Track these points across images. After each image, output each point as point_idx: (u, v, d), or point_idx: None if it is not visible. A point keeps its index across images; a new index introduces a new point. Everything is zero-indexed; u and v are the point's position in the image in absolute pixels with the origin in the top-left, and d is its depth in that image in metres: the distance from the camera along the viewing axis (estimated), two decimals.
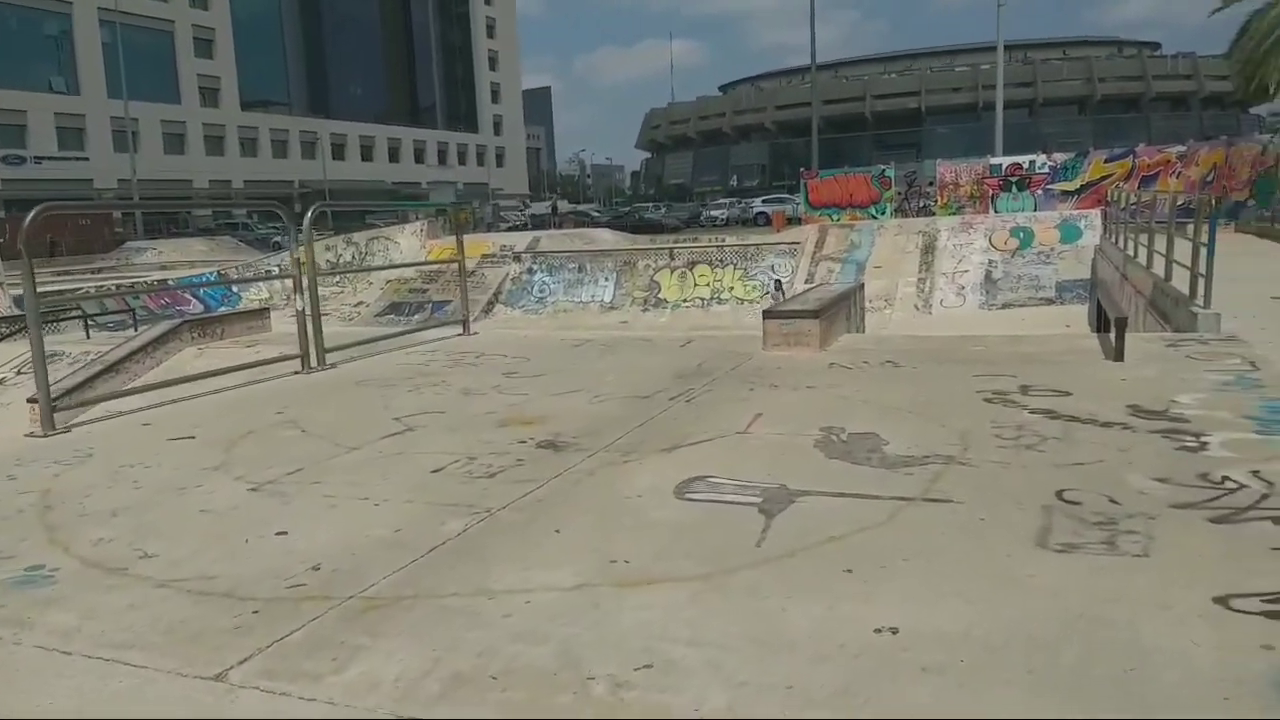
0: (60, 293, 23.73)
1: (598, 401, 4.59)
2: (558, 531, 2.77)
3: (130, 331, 17.53)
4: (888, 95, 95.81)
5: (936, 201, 27.26)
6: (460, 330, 7.44)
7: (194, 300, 28.45)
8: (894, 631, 2.04)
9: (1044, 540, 2.54)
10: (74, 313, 19.45)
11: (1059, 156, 27.27)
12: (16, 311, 22.13)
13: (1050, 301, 19.23)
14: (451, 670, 1.96)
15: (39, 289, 18.28)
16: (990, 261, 20.32)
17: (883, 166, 29.04)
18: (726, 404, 4.40)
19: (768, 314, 5.90)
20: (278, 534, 2.86)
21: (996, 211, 25.67)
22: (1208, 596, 2.15)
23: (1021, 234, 20.93)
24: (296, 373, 5.77)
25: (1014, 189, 26.85)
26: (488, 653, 2.02)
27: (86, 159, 62.04)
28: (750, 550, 2.56)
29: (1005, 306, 19.26)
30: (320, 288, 23.13)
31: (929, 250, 20.96)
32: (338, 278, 28.90)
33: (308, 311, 5.77)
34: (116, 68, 54.26)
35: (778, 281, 19.91)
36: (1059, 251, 20.48)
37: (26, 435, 4.39)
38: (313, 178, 77.13)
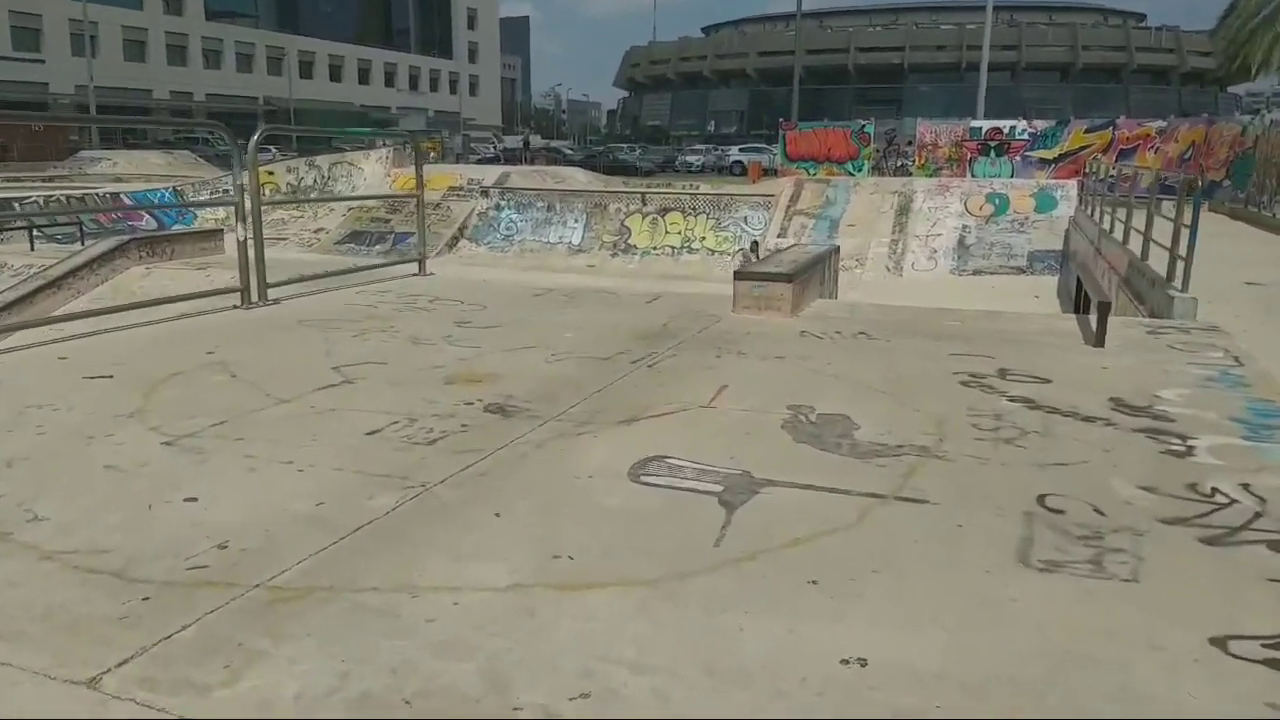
0: (6, 201, 22.83)
1: (554, 361, 4.32)
2: (497, 515, 2.52)
3: (77, 246, 16.87)
4: (871, 49, 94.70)
5: (914, 161, 26.99)
6: (416, 270, 7.09)
7: (146, 216, 27.55)
8: (862, 664, 1.82)
9: (1026, 555, 2.33)
10: (19, 223, 18.68)
11: (1039, 124, 27.07)
12: None
13: (1021, 271, 19.16)
14: (360, 689, 1.71)
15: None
16: (964, 226, 20.17)
17: (863, 122, 28.69)
18: (691, 372, 4.15)
19: (739, 275, 5.63)
20: (186, 500, 2.58)
21: (974, 176, 25.48)
22: (1203, 637, 1.95)
23: (997, 200, 20.77)
24: (235, 307, 5.42)
25: (992, 154, 26.67)
26: (405, 668, 1.77)
27: (43, 61, 59.59)
28: (708, 550, 2.32)
29: (976, 273, 19.16)
30: (279, 211, 22.46)
31: (904, 211, 20.74)
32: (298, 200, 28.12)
33: (250, 241, 5.39)
34: None
35: (754, 243, 19.54)
36: (1033, 221, 20.35)
37: None
38: (279, 95, 74.93)
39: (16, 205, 23.76)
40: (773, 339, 4.90)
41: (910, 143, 27.91)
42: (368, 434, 3.16)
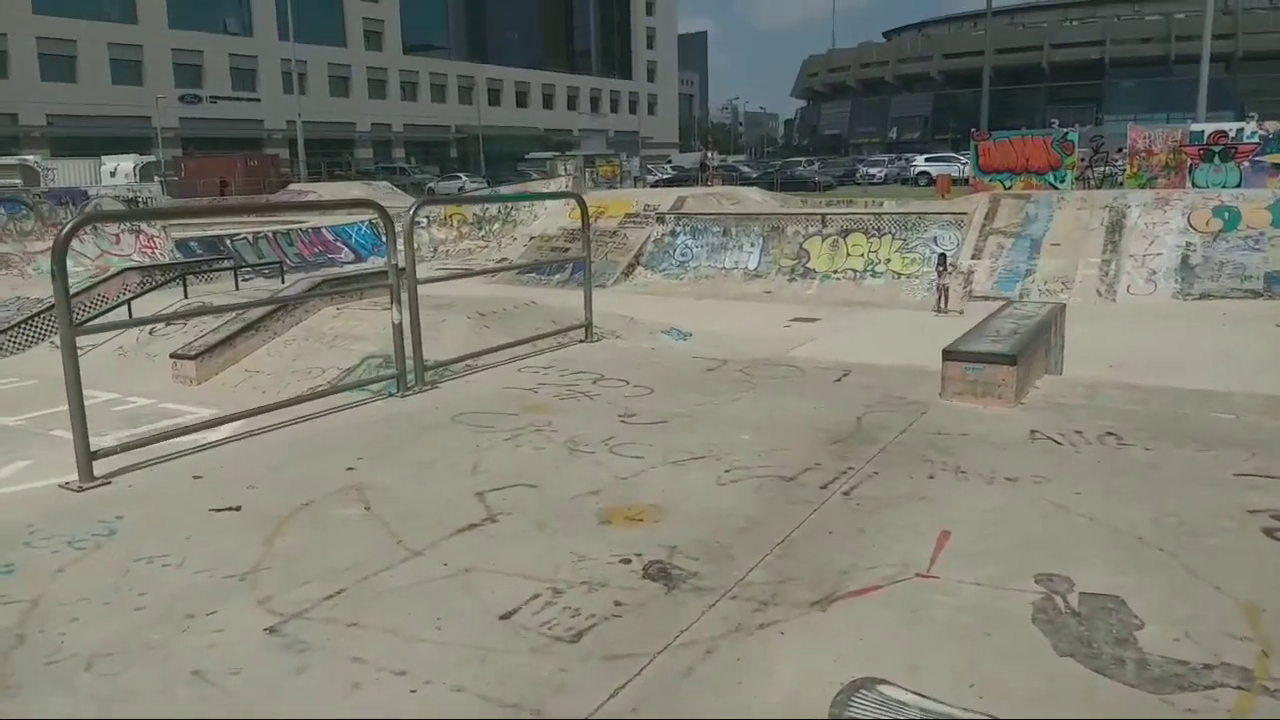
0: (219, 239, 24.46)
1: (729, 482, 3.64)
2: None
3: (277, 283, 17.69)
4: (1068, 45, 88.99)
5: (1125, 170, 24.60)
6: (583, 336, 6.58)
7: (345, 248, 28.98)
8: None
9: None
10: (225, 263, 19.83)
11: (1271, 125, 24.07)
12: (178, 257, 22.94)
13: (1257, 294, 16.92)
14: None
15: (204, 233, 18.61)
16: (1188, 244, 18.03)
17: (1065, 129, 26.44)
18: (900, 505, 3.37)
19: (949, 354, 4.76)
20: None
21: (1195, 185, 22.94)
22: None
23: (1226, 214, 18.47)
24: (391, 395, 5.05)
25: (1216, 159, 23.93)
26: None
27: (258, 99, 64.56)
28: None
29: (1203, 297, 17.05)
30: (465, 241, 22.97)
31: (1116, 228, 18.78)
32: (483, 230, 28.86)
33: (406, 326, 5.02)
34: (286, 10, 55.85)
35: (942, 255, 18.16)
36: (1270, 237, 17.94)
37: (61, 486, 3.79)
38: (469, 123, 78.18)
39: (228, 242, 25.51)
40: (997, 444, 4.03)
41: (1120, 150, 25.48)
42: (502, 617, 2.58)
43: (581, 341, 6.56)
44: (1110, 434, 4.18)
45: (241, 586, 2.81)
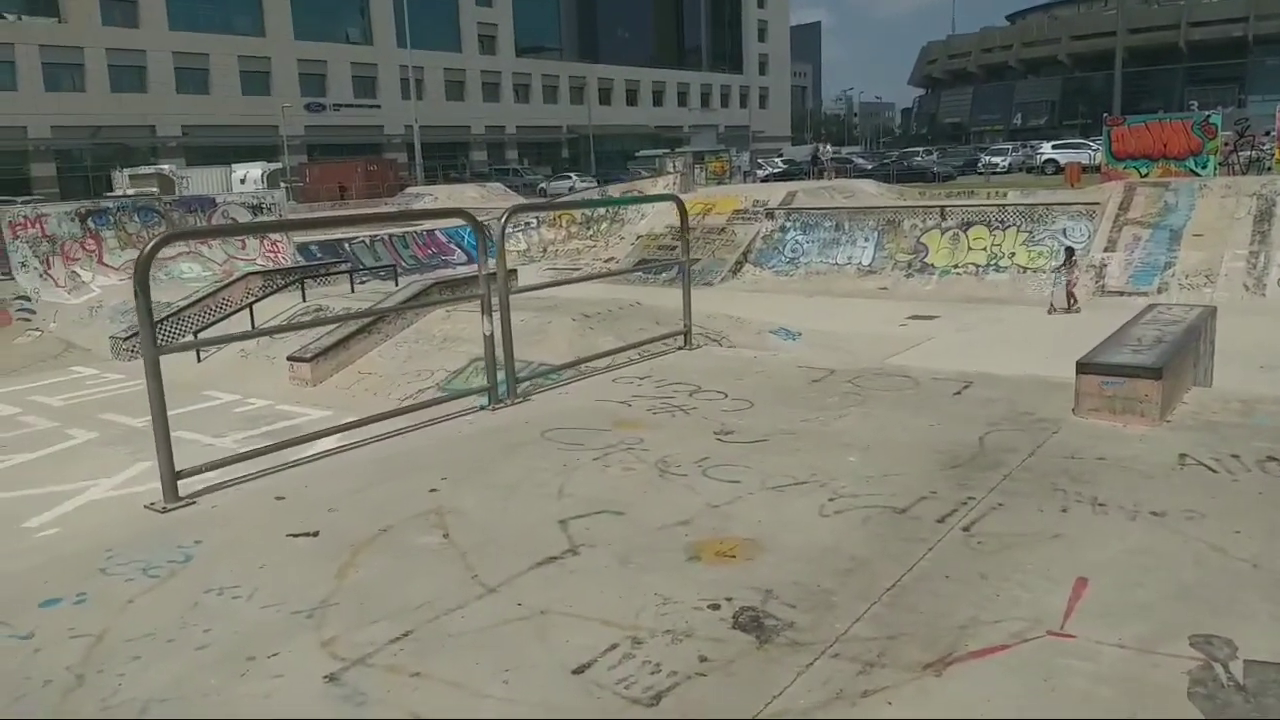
0: (337, 242, 25.18)
1: (833, 513, 3.31)
2: None
3: (391, 286, 18.07)
4: (1207, 22, 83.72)
5: (1274, 155, 22.83)
6: (682, 343, 6.32)
7: (457, 250, 29.49)
8: None
9: None
10: (342, 267, 20.39)
11: None
12: (299, 260, 23.74)
13: None
14: None
15: (325, 236, 19.01)
16: None
17: (1206, 112, 24.69)
18: (1028, 545, 2.98)
19: (1085, 366, 4.30)
20: None
21: None
22: None
23: None
24: (482, 408, 4.90)
25: None
26: None
27: (378, 106, 66.69)
28: None
29: None
30: (573, 241, 23.02)
31: (1265, 217, 17.43)
32: (591, 230, 28.92)
33: (497, 337, 4.86)
34: (404, 18, 57.45)
35: (1069, 249, 16.99)
36: None
37: (147, 507, 3.75)
38: (579, 123, 78.92)
39: (346, 245, 26.29)
40: (1140, 471, 3.58)
41: (1269, 133, 23.68)
42: (575, 672, 2.35)
43: (680, 349, 6.29)
44: (1272, 459, 3.67)
45: (308, 625, 2.66)
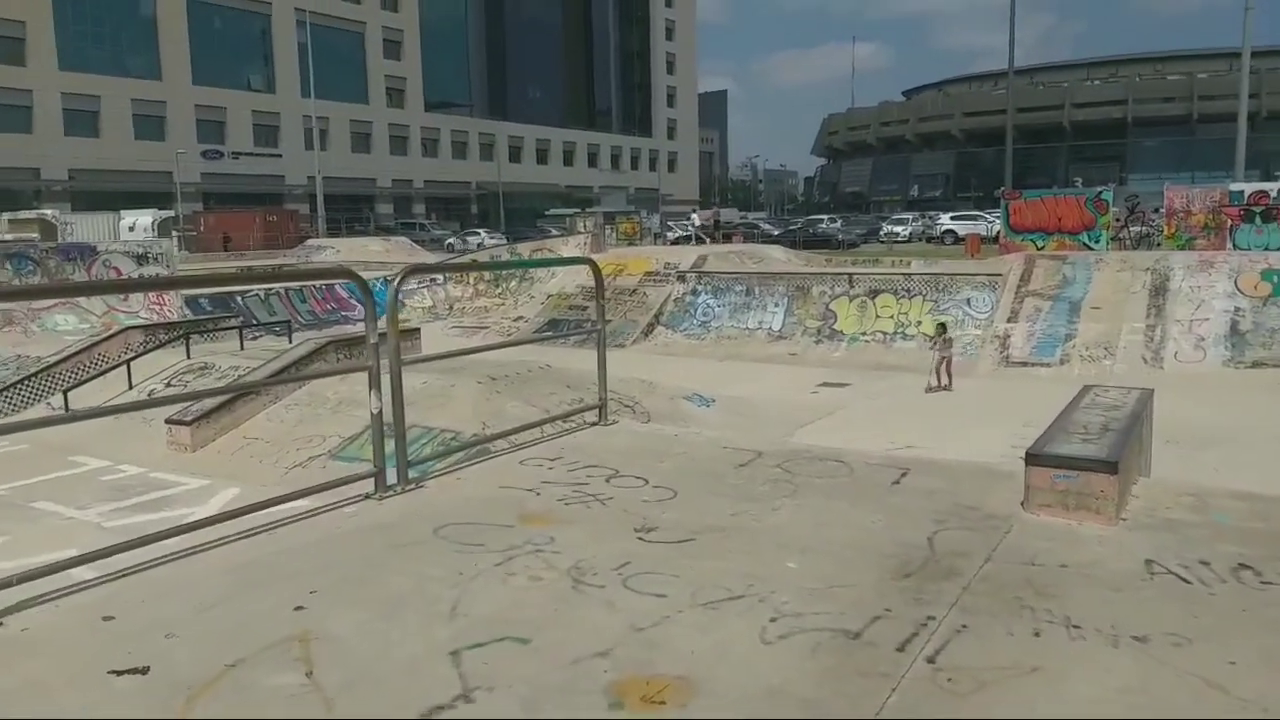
0: (229, 295, 23.97)
1: (776, 637, 2.83)
2: None
3: (285, 343, 17.09)
4: (1090, 104, 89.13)
5: (1163, 231, 23.85)
6: (596, 418, 5.81)
7: (358, 306, 28.46)
8: None
9: None
10: (232, 321, 19.29)
11: None
12: (187, 314, 22.46)
13: None
14: None
15: (215, 289, 17.74)
16: (1236, 309, 17.21)
17: (1099, 189, 25.75)
18: (1005, 681, 2.55)
19: (1035, 457, 3.95)
20: None
21: (1236, 246, 22.16)
22: None
23: (1275, 277, 17.67)
24: (367, 496, 4.28)
25: (1257, 220, 23.14)
26: None
27: (279, 155, 65.12)
28: None
29: (1255, 365, 16.18)
30: (480, 299, 22.25)
31: (1159, 291, 18.00)
32: (500, 287, 28.31)
33: (386, 415, 4.27)
34: (309, 68, 56.45)
35: (941, 325, 16.37)
36: None
37: None
38: (489, 179, 78.63)
39: (239, 299, 25.04)
40: (1108, 583, 3.21)
41: (1158, 210, 24.77)
42: None
43: (595, 424, 5.78)
44: (1244, 565, 3.36)
45: None
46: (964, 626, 2.88)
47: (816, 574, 3.31)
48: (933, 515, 3.93)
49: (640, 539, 3.70)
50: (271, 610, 3.03)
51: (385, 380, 4.36)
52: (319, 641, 2.82)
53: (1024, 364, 17.35)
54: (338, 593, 3.18)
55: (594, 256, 26.51)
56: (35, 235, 35.38)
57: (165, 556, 3.45)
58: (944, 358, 14.97)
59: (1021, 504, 4.00)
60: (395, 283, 4.32)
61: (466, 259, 33.99)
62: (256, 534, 3.73)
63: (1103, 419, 4.45)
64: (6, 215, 41.39)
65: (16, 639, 2.91)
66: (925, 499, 4.17)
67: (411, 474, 4.47)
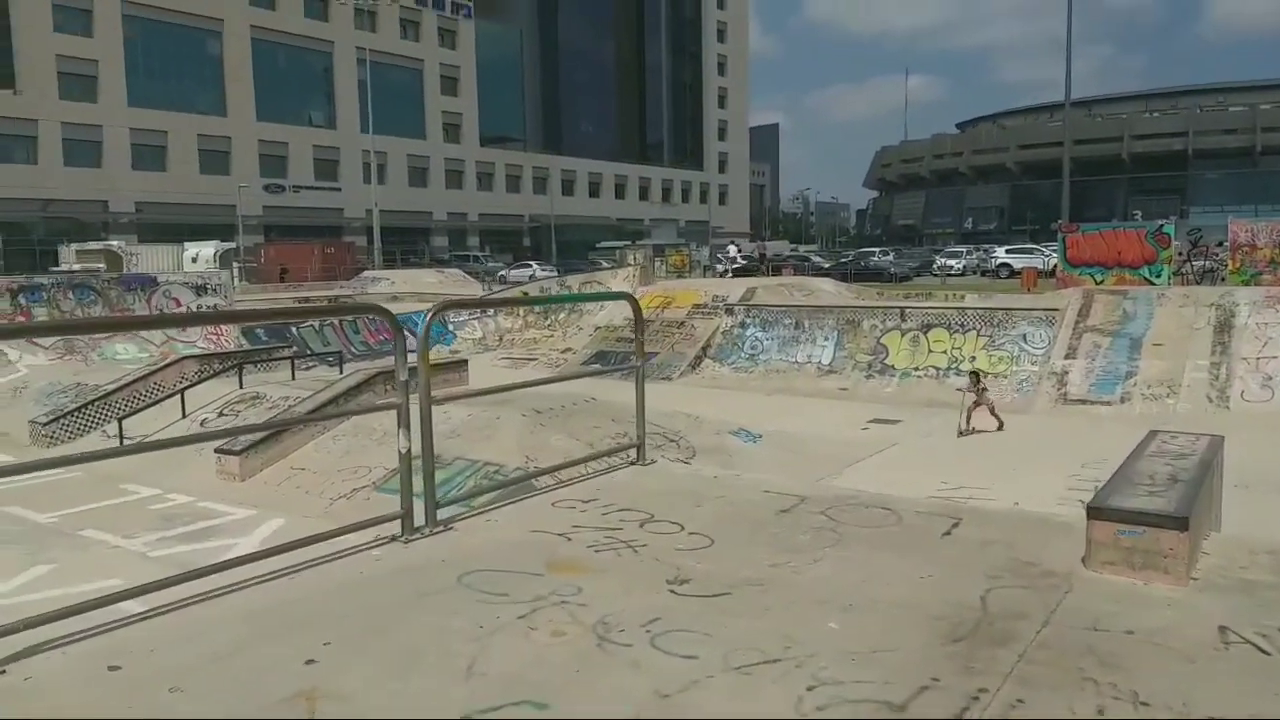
0: (285, 326, 24.30)
1: (813, 709, 2.62)
2: None
3: (336, 374, 17.25)
4: (1149, 136, 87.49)
5: (1228, 265, 23.09)
6: (634, 456, 5.65)
7: (411, 337, 28.73)
8: None
9: None
10: (285, 352, 19.54)
11: None
12: (243, 344, 22.84)
13: None
14: None
15: (272, 320, 17.92)
16: None
17: (1160, 221, 25.10)
18: None
19: (1098, 511, 3.70)
20: None
21: None
22: None
23: None
24: (395, 538, 4.16)
25: None
26: None
27: (339, 189, 66.50)
28: None
29: None
30: (530, 331, 22.32)
31: (1224, 328, 17.36)
32: (549, 319, 28.37)
33: (415, 453, 4.16)
34: (368, 104, 57.71)
35: (974, 373, 15.43)
36: None
37: None
38: (541, 212, 79.43)
39: (294, 329, 25.41)
40: (1180, 652, 2.95)
41: (1221, 244, 24.02)
42: None
43: (633, 464, 5.61)
44: None
45: None
46: (1019, 701, 2.64)
47: (859, 636, 3.09)
48: (986, 571, 3.69)
49: (672, 591, 3.51)
50: (283, 662, 2.90)
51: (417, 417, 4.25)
52: (326, 700, 2.68)
53: (1082, 401, 16.82)
54: (353, 645, 3.04)
55: (642, 289, 26.54)
56: (101, 266, 36.44)
57: (179, 602, 3.35)
58: (977, 403, 14.37)
59: (1082, 560, 3.74)
60: (428, 318, 4.23)
61: (512, 293, 34.19)
62: (277, 578, 3.62)
63: (1170, 468, 4.17)
64: (75, 246, 42.73)
65: (17, 689, 2.81)
66: (978, 552, 3.93)
67: (441, 515, 4.34)
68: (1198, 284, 23.61)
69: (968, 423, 14.17)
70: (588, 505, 4.71)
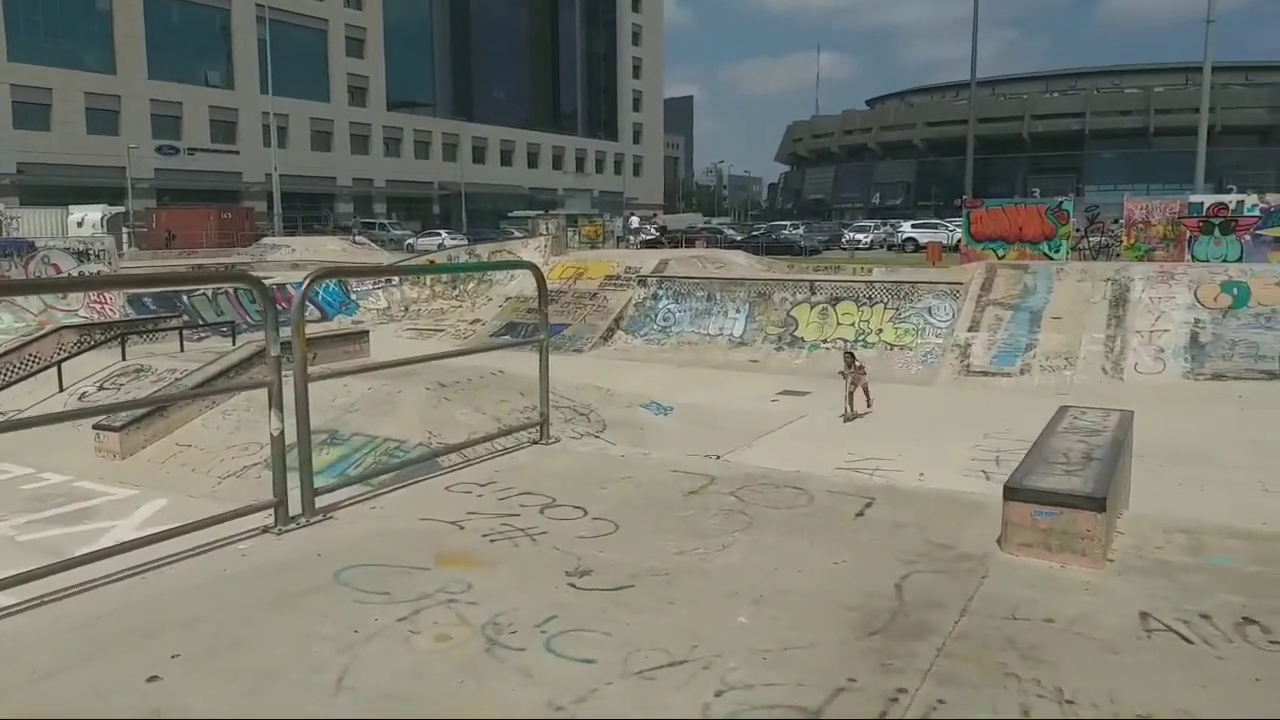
0: (176, 295, 23.15)
1: (720, 717, 2.39)
2: None
3: (228, 344, 16.42)
4: (1049, 115, 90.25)
5: (1123, 242, 23.85)
6: (537, 435, 5.34)
7: (311, 306, 27.63)
8: None
9: None
10: (174, 321, 18.53)
11: (1272, 198, 23.39)
12: (129, 313, 21.62)
13: (1273, 375, 16.00)
14: None
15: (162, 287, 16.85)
16: (1196, 320, 17.13)
17: (1060, 198, 25.77)
18: None
19: (1014, 491, 3.56)
20: None
21: (1194, 258, 22.17)
22: None
23: (1235, 289, 17.63)
24: (266, 530, 3.78)
25: (1216, 232, 23.17)
26: None
27: (237, 152, 63.78)
28: None
29: (1216, 377, 16.08)
30: (437, 301, 21.65)
31: (1119, 302, 17.89)
32: (457, 289, 27.68)
33: (285, 435, 3.77)
34: (267, 64, 55.31)
35: (849, 354, 14.48)
36: None
37: None
38: (451, 179, 77.69)
39: (185, 298, 24.18)
40: (1102, 641, 2.81)
41: (1117, 221, 24.78)
42: None
43: (535, 443, 5.30)
44: (1249, 620, 2.98)
45: None
46: (940, 702, 2.45)
47: (770, 631, 2.87)
48: (901, 555, 3.52)
49: (571, 585, 3.24)
50: (119, 680, 2.53)
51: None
52: (171, 707, 2.32)
53: (984, 373, 17.15)
54: (204, 658, 2.68)
55: (555, 259, 26.06)
56: None
57: (6, 609, 2.92)
58: (857, 384, 13.53)
59: (998, 542, 3.60)
60: (304, 287, 3.83)
61: (418, 262, 33.26)
62: (123, 578, 3.21)
63: (1084, 445, 4.07)
64: None
65: None
66: (892, 535, 3.76)
67: (320, 502, 3.96)
68: (1094, 259, 24.33)
69: (851, 408, 13.33)
70: (485, 489, 4.39)
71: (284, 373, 3.78)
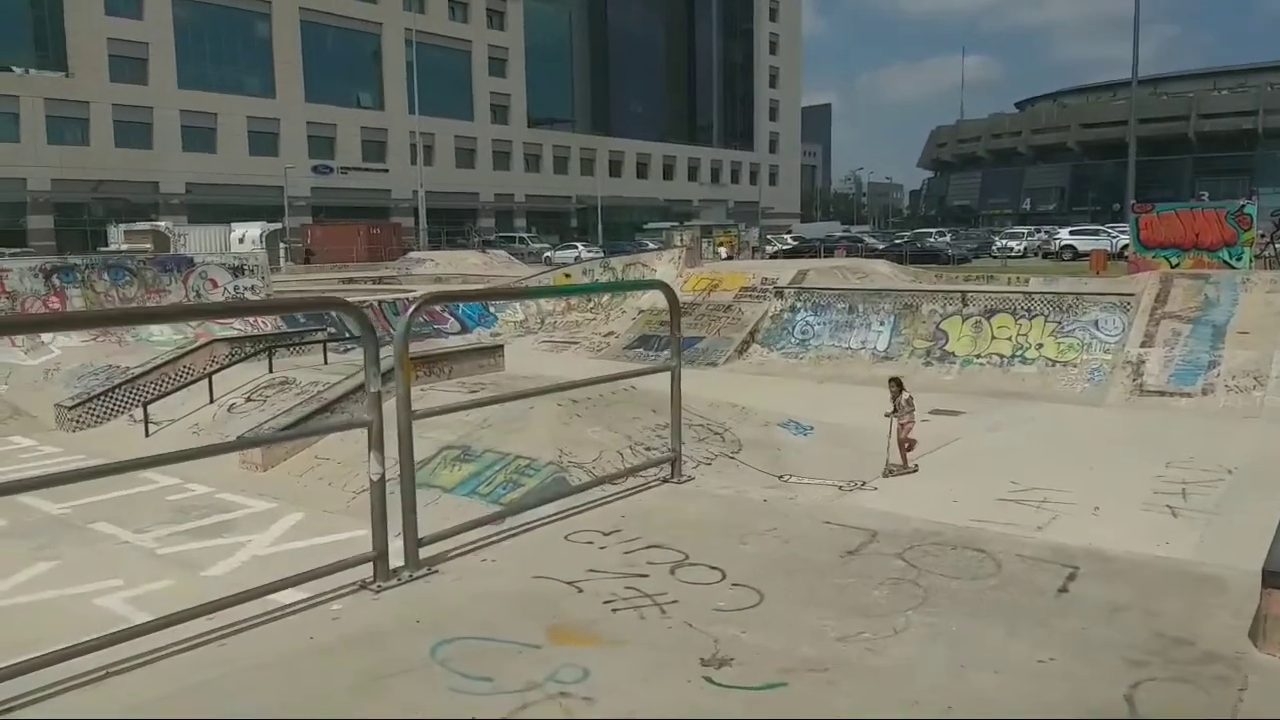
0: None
1: None
2: None
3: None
4: (1217, 114, 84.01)
5: None
6: (669, 473, 4.78)
7: (451, 319, 28.06)
8: None
9: None
10: (319, 335, 18.97)
11: None
12: (282, 327, 22.36)
13: None
14: None
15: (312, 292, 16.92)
16: None
17: (1242, 201, 23.53)
18: None
19: (1274, 577, 2.77)
20: None
21: None
22: None
23: None
24: (364, 585, 3.35)
25: None
26: None
27: (386, 170, 66.28)
28: None
29: None
30: (572, 313, 21.35)
31: None
32: (592, 302, 27.51)
33: (388, 478, 3.34)
34: (414, 86, 57.26)
35: (894, 380, 10.65)
36: None
37: None
38: (588, 193, 78.59)
39: (332, 313, 24.89)
40: None
41: None
42: None
43: (666, 481, 4.75)
44: None
45: None
46: None
47: None
48: (1125, 653, 2.77)
49: (708, 679, 2.64)
50: None
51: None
52: None
53: (1161, 393, 15.57)
54: None
55: (689, 270, 25.55)
56: (149, 246, 36.38)
57: (61, 684, 2.55)
58: (902, 424, 10.02)
59: (1251, 637, 2.80)
60: (407, 314, 3.40)
61: (556, 274, 33.29)
62: (205, 644, 2.81)
63: None
64: (124, 227, 42.88)
65: None
66: (1109, 622, 3.01)
67: (426, 552, 3.51)
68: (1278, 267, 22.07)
69: (904, 458, 9.95)
70: (608, 538, 3.86)
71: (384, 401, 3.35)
